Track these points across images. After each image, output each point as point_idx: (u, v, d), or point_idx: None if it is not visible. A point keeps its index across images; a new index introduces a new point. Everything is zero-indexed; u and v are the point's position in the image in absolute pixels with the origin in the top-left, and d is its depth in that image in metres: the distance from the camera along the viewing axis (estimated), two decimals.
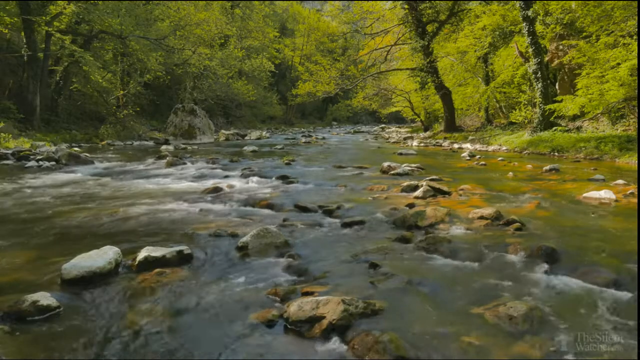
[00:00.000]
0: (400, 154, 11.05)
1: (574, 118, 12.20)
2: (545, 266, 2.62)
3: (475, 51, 16.57)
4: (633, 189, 4.86)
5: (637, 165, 7.65)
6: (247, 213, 4.16)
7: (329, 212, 4.07)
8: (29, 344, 1.79)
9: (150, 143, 15.72)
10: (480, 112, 18.64)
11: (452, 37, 18.88)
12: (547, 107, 11.19)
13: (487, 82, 16.74)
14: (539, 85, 11.93)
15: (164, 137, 16.70)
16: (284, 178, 6.16)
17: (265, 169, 7.37)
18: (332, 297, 2.03)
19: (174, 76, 20.50)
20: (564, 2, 11.19)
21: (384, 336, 1.75)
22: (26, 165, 7.75)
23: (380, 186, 5.38)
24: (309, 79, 20.73)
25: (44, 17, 13.01)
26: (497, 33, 15.26)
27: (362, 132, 29.82)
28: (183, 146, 13.94)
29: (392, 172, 6.70)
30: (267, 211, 4.27)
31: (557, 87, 13.87)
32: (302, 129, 32.66)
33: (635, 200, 4.43)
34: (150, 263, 2.59)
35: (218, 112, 28.52)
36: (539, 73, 11.89)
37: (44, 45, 14.09)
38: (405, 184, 5.19)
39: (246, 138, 20.19)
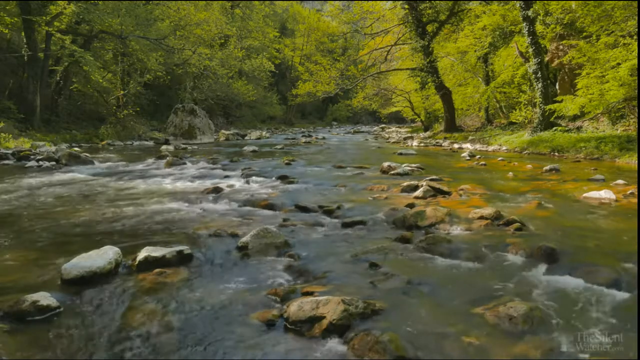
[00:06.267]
0: (400, 154, 11.05)
1: (574, 118, 12.19)
2: (545, 266, 2.62)
3: (475, 51, 16.55)
4: (633, 189, 4.86)
5: (637, 165, 7.64)
6: (247, 213, 4.16)
7: (329, 212, 4.07)
8: (29, 344, 1.79)
9: (150, 143, 15.72)
10: (481, 112, 18.63)
11: (452, 37, 18.86)
12: (547, 107, 11.19)
13: (487, 82, 16.73)
14: (539, 85, 11.92)
15: (164, 137, 16.70)
16: (284, 178, 6.16)
17: (265, 169, 7.37)
18: (332, 297, 2.03)
19: (174, 76, 20.47)
20: (564, 2, 11.19)
21: (384, 336, 1.75)
22: (26, 165, 7.75)
23: (380, 186, 5.38)
24: (309, 79, 20.71)
25: (44, 17, 13.00)
26: (497, 33, 15.25)
27: (362, 132, 29.81)
28: (183, 146, 13.94)
29: (392, 172, 6.69)
30: (267, 211, 4.27)
31: (557, 87, 13.87)
32: (302, 129, 32.64)
33: (635, 200, 4.43)
34: (150, 263, 2.59)
35: (218, 112, 28.49)
36: (539, 73, 11.88)
37: (44, 45, 14.08)
38: (405, 184, 5.19)
39: (246, 138, 20.19)
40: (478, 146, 13.24)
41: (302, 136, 21.61)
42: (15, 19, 13.30)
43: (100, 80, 16.27)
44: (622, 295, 2.19)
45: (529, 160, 9.07)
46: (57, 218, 3.90)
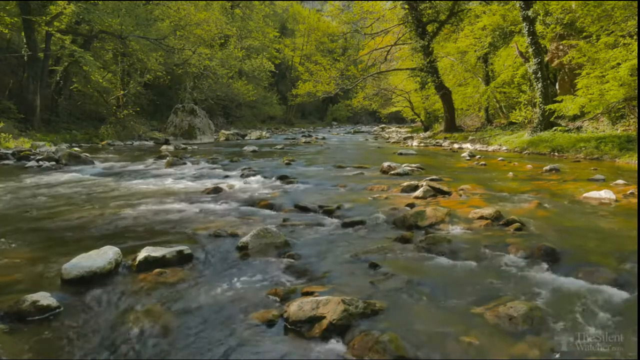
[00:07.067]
0: (400, 154, 11.05)
1: (574, 118, 12.19)
2: (545, 266, 2.62)
3: (475, 51, 16.55)
4: (633, 189, 4.86)
5: (637, 165, 7.64)
6: (247, 213, 4.16)
7: (329, 212, 4.07)
8: (29, 344, 1.79)
9: (150, 143, 15.72)
10: (480, 112, 18.63)
11: (452, 37, 18.87)
12: (547, 107, 11.19)
13: (487, 82, 16.73)
14: (539, 85, 11.92)
15: (164, 137, 16.69)
16: (284, 178, 6.16)
17: (266, 169, 7.37)
18: (332, 297, 2.03)
19: (174, 76, 20.47)
20: (564, 2, 11.19)
21: (384, 336, 1.75)
22: (26, 165, 7.75)
23: (381, 186, 5.38)
24: (309, 79, 20.70)
25: (44, 17, 13.00)
26: (497, 33, 15.25)
27: (362, 132, 29.81)
28: (183, 146, 13.94)
29: (392, 172, 6.69)
30: (267, 211, 4.27)
31: (557, 87, 13.87)
32: (302, 129, 32.64)
33: (635, 200, 4.43)
34: (150, 263, 2.59)
35: (218, 112, 28.50)
36: (539, 73, 11.88)
37: (44, 45, 14.08)
38: (405, 184, 5.19)
39: (246, 138, 20.19)
40: (478, 146, 13.24)
41: (302, 136, 21.60)
42: (15, 19, 13.30)
43: (100, 80, 16.27)
44: (622, 295, 2.19)
45: (529, 160, 9.07)
46: (57, 218, 3.90)
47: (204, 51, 19.63)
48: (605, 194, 4.53)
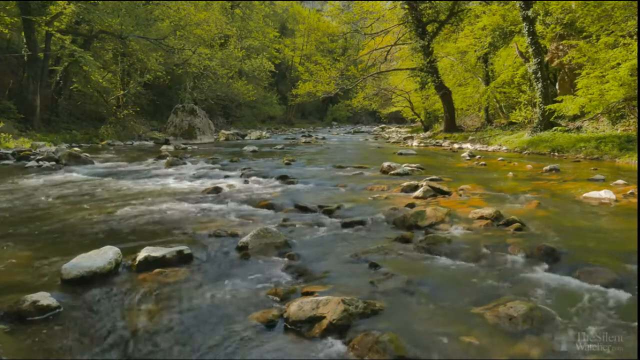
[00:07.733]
0: (400, 154, 11.05)
1: (574, 118, 12.19)
2: (545, 266, 2.62)
3: (475, 51, 16.55)
4: (633, 189, 4.86)
5: (637, 165, 7.64)
6: (247, 213, 4.16)
7: (329, 212, 4.07)
8: (29, 344, 1.79)
9: (150, 143, 15.72)
10: (480, 112, 18.63)
11: (452, 37, 18.87)
12: (547, 107, 11.18)
13: (487, 82, 16.73)
14: (539, 85, 11.92)
15: (164, 137, 16.69)
16: (284, 178, 6.16)
17: (266, 169, 7.37)
18: (332, 297, 2.03)
19: (174, 76, 20.45)
20: (564, 2, 11.19)
21: (384, 336, 1.75)
22: (26, 166, 7.74)
23: (381, 186, 5.38)
24: (309, 79, 20.69)
25: (44, 17, 13.01)
26: (497, 33, 15.25)
27: (362, 132, 29.80)
28: (183, 146, 13.94)
29: (392, 172, 6.69)
30: (267, 211, 4.27)
31: (557, 87, 13.86)
32: (302, 129, 32.62)
33: (635, 200, 4.43)
34: (150, 263, 2.59)
35: (218, 112, 28.49)
36: (539, 73, 11.88)
37: (44, 45, 14.08)
38: (405, 184, 5.19)
39: (246, 138, 20.18)
40: (478, 146, 13.24)
41: (302, 136, 21.60)
42: (15, 19, 13.30)
43: (100, 80, 16.27)
44: (622, 295, 2.19)
45: (528, 160, 9.07)
46: (57, 218, 3.90)
47: (204, 51, 19.62)
48: (605, 194, 4.53)
